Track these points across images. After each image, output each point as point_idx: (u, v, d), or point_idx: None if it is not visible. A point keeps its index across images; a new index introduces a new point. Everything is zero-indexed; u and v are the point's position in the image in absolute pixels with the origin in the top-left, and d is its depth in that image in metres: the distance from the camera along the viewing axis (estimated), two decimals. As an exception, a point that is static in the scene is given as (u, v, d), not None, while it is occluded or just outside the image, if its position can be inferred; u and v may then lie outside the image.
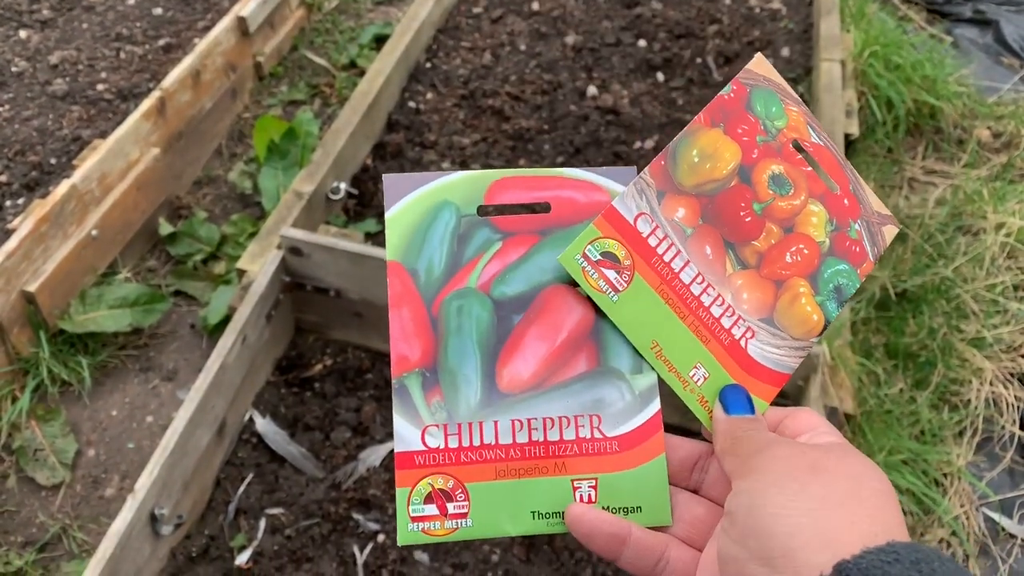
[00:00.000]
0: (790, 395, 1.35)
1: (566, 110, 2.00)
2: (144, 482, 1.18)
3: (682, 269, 0.49)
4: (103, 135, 1.81)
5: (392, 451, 1.36)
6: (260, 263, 1.48)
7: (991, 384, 1.54)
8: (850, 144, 1.87)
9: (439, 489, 0.45)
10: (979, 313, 1.64)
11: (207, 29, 2.15)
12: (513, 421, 0.46)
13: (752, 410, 0.46)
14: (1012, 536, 1.39)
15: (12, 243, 1.47)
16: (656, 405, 0.48)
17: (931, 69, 2.08)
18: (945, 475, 1.43)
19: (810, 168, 0.52)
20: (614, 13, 2.30)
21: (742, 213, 0.50)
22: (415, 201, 0.48)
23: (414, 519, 0.45)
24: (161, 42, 2.13)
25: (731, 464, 0.43)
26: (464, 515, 0.45)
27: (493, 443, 0.45)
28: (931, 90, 2.06)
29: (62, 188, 1.57)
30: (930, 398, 1.51)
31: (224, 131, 2.04)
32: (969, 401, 1.52)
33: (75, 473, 1.45)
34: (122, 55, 2.08)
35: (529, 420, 0.46)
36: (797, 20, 2.29)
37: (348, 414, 1.44)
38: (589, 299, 0.48)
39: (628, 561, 0.45)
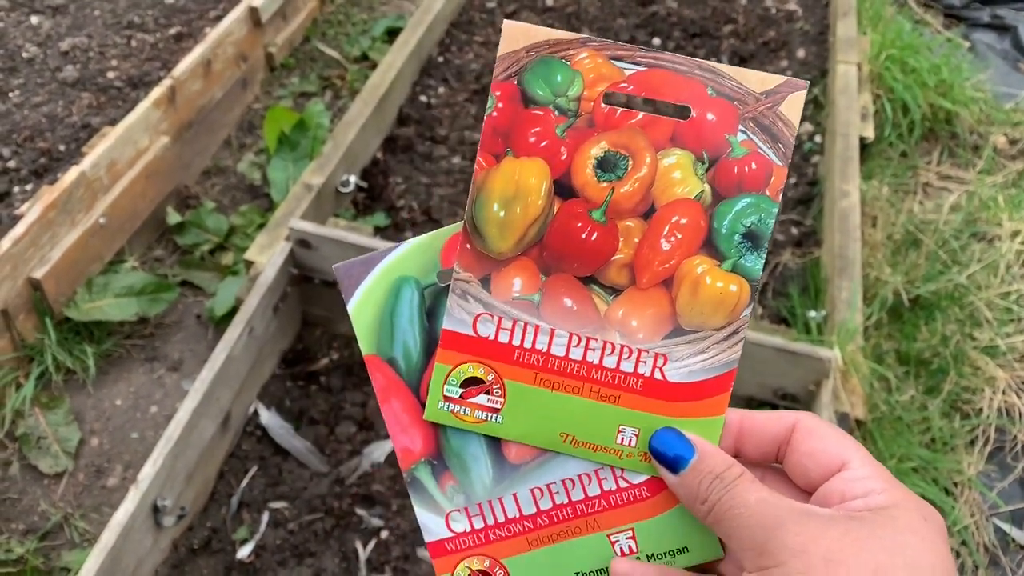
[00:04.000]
0: (801, 400, 1.34)
1: (579, 107, 1.99)
2: (147, 473, 1.17)
3: (550, 344, 0.42)
4: (113, 123, 1.80)
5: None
6: (268, 255, 1.47)
7: (1004, 393, 1.52)
8: (865, 147, 1.85)
9: (477, 571, 0.44)
10: (993, 321, 1.62)
11: (219, 19, 2.14)
12: (532, 490, 0.43)
13: (691, 451, 0.40)
14: (1022, 547, 1.37)
15: (19, 229, 1.46)
16: None
17: (948, 74, 2.06)
18: (956, 484, 1.42)
19: (642, 113, 0.41)
20: (629, 11, 2.29)
21: (583, 235, 0.41)
22: (373, 285, 0.44)
23: None
24: (172, 31, 2.12)
25: (727, 539, 0.38)
26: None
27: (518, 516, 0.43)
28: (947, 95, 2.04)
29: (71, 175, 1.56)
30: (942, 406, 1.50)
31: (234, 121, 2.03)
32: (981, 410, 1.50)
33: (78, 462, 1.44)
34: (133, 43, 2.07)
35: (548, 486, 0.43)
36: (813, 22, 2.27)
37: (353, 409, 1.43)
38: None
39: None
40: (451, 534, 0.44)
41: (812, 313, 1.50)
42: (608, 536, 0.43)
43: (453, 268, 0.43)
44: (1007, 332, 1.60)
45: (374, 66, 2.09)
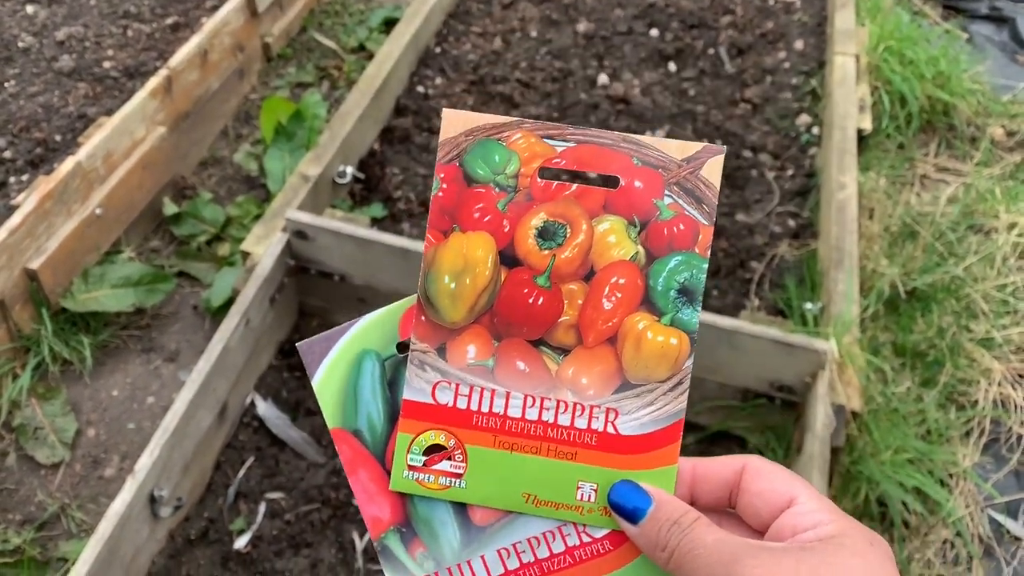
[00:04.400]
0: (797, 392, 1.34)
1: (576, 98, 1.98)
2: (144, 463, 1.17)
3: (507, 406, 0.44)
4: (109, 113, 1.79)
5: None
6: (265, 245, 1.47)
7: (999, 385, 1.52)
8: (862, 139, 1.85)
9: None
10: (989, 313, 1.62)
11: (215, 8, 2.13)
12: (499, 551, 0.44)
13: (648, 500, 0.41)
14: (1017, 539, 1.38)
15: (16, 219, 1.46)
16: None
17: (946, 65, 2.06)
18: (951, 475, 1.42)
19: (575, 185, 0.44)
20: (627, 1, 2.28)
21: (530, 300, 0.43)
22: (336, 360, 0.46)
23: None
24: (169, 20, 2.11)
25: None
26: None
27: None
28: (945, 87, 2.04)
29: (67, 165, 1.55)
30: (938, 397, 1.50)
31: (231, 112, 2.02)
32: (977, 401, 1.51)
33: (75, 452, 1.44)
34: (129, 33, 2.06)
35: (515, 545, 0.44)
36: (811, 13, 2.27)
37: (350, 400, 1.43)
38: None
39: None
40: None
41: (808, 305, 1.50)
42: None
43: (410, 339, 0.44)
44: (1003, 324, 1.61)
45: (371, 57, 2.08)
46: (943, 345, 1.56)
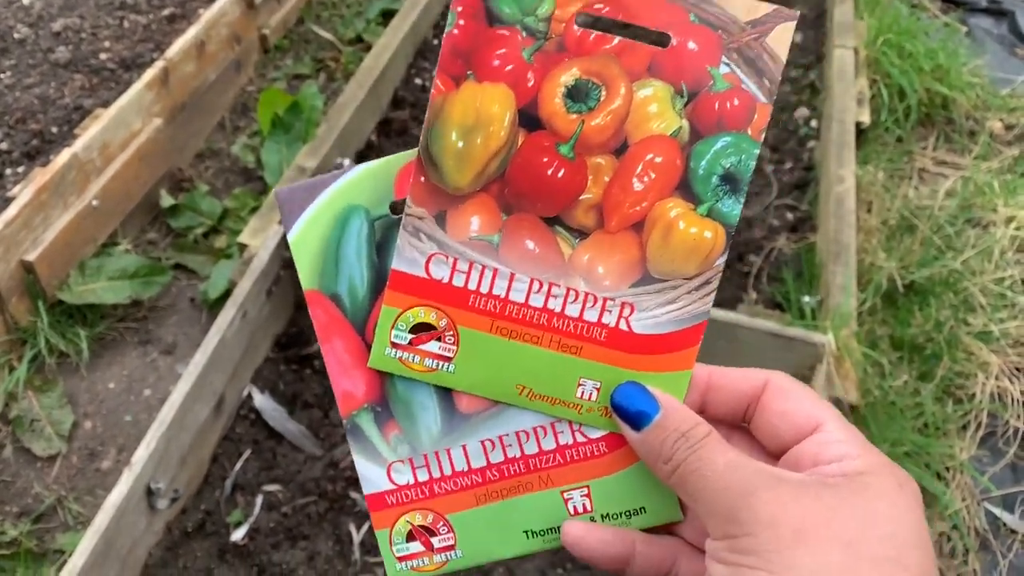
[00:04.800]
0: (794, 384, 1.34)
1: (574, 91, 1.98)
2: (141, 455, 1.17)
3: (509, 289, 0.39)
4: (105, 104, 1.79)
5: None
6: (262, 238, 1.46)
7: (996, 378, 1.52)
8: (861, 132, 1.85)
9: (419, 526, 0.41)
10: (986, 307, 1.62)
11: (212, 0, 2.12)
12: (483, 442, 0.40)
13: (656, 407, 0.37)
14: (1013, 532, 1.38)
15: (12, 211, 1.45)
16: None
17: (944, 59, 2.06)
18: (948, 468, 1.43)
19: (618, 38, 0.38)
20: (625, -6, 2.27)
21: (549, 171, 0.38)
22: (317, 213, 0.40)
23: (400, 558, 0.41)
24: (165, 12, 2.10)
25: (690, 502, 0.36)
26: (451, 547, 0.41)
27: (466, 469, 0.40)
28: (944, 80, 2.03)
29: (63, 157, 1.55)
30: (935, 391, 1.50)
31: (228, 104, 2.01)
32: (974, 395, 1.51)
33: (71, 445, 1.44)
34: (125, 24, 2.05)
35: (501, 437, 0.40)
36: (810, 5, 2.26)
37: (347, 392, 1.42)
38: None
39: None
40: (392, 486, 0.41)
41: (806, 298, 1.50)
42: (562, 493, 0.41)
43: (406, 201, 0.39)
44: (1001, 318, 1.61)
45: (368, 48, 2.07)
46: (941, 339, 1.56)
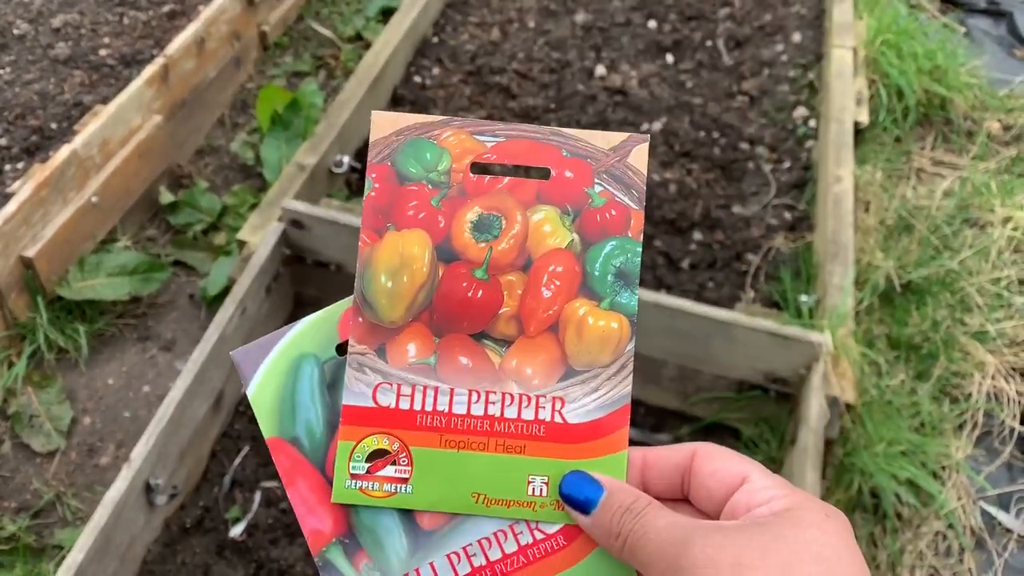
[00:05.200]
0: (792, 384, 1.35)
1: (573, 89, 1.98)
2: (140, 451, 1.17)
3: (451, 404, 0.42)
4: (105, 101, 1.79)
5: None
6: (261, 235, 1.46)
7: (993, 378, 1.53)
8: (859, 132, 1.86)
9: None
10: (983, 307, 1.63)
11: (212, -4, 2.12)
12: (448, 556, 0.42)
13: (600, 489, 0.41)
14: (1008, 531, 1.39)
15: (11, 207, 1.45)
16: None
17: (943, 59, 2.06)
18: (944, 468, 1.43)
19: (507, 178, 0.44)
20: (625, -7, 2.28)
21: (469, 293, 0.43)
22: (271, 366, 0.44)
23: None
24: (165, 8, 2.10)
25: (642, 569, 0.38)
26: None
27: None
28: (942, 80, 2.04)
29: (63, 153, 1.55)
30: (931, 390, 1.51)
31: (227, 100, 2.02)
32: (970, 395, 1.51)
33: (70, 440, 1.44)
34: (125, 20, 2.05)
35: (464, 548, 0.42)
36: (809, 5, 2.26)
37: (346, 389, 1.43)
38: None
39: None
40: None
41: (804, 297, 1.51)
42: None
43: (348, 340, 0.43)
44: (997, 318, 1.61)
45: (368, 46, 2.07)
46: (937, 338, 1.56)
